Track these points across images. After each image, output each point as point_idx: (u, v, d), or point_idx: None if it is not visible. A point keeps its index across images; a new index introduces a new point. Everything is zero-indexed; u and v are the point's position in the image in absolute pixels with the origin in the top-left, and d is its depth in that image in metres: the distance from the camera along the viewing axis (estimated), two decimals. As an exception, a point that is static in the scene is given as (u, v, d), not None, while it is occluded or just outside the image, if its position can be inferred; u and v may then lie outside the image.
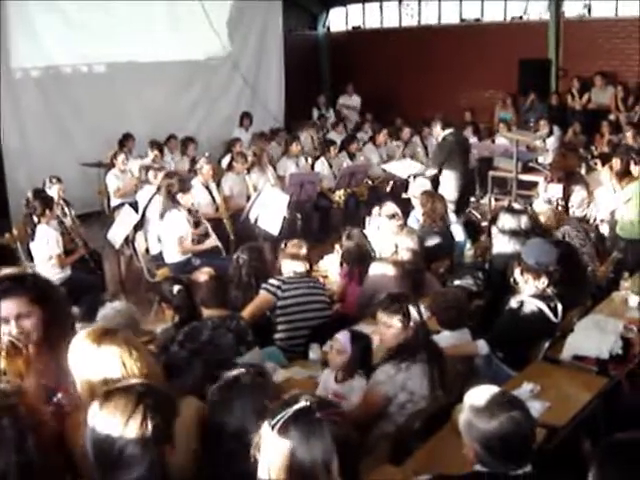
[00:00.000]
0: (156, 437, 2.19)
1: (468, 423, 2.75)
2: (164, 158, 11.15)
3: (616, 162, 7.68)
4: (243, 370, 2.79)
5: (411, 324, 4.11)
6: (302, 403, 2.16)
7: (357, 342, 4.19)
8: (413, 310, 4.13)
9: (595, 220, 7.92)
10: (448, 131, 9.13)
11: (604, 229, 7.77)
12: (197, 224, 7.91)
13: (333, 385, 4.23)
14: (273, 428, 2.12)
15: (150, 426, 2.18)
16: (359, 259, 6.07)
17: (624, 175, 7.53)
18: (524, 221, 6.19)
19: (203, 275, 4.85)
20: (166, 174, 8.72)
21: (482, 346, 4.76)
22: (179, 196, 7.60)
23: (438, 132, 9.24)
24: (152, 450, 2.19)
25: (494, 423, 2.66)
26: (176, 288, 4.80)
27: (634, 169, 7.12)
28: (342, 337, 4.20)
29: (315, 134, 13.24)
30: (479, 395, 2.79)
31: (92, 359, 2.67)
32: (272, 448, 2.12)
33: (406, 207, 7.76)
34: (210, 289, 4.75)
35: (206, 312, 4.71)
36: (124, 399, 2.22)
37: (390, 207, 7.04)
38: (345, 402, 4.02)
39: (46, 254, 6.98)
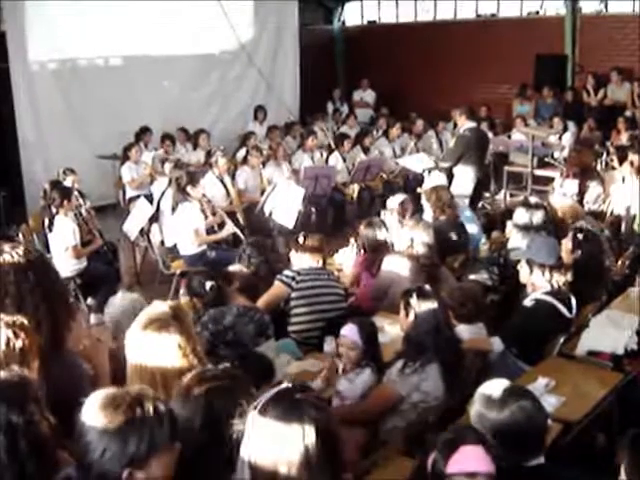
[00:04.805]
0: (124, 460, 2.14)
1: (479, 414, 2.76)
2: (179, 151, 11.23)
3: (634, 157, 7.65)
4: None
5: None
6: (284, 385, 2.19)
7: (365, 332, 4.19)
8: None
9: (611, 216, 7.88)
10: (471, 124, 9.10)
11: (620, 225, 7.73)
12: (213, 214, 7.97)
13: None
14: (255, 408, 2.14)
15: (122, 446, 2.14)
16: (377, 248, 6.06)
17: (640, 170, 7.51)
18: (539, 216, 6.18)
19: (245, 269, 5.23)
20: (174, 165, 8.75)
21: (497, 343, 4.76)
22: (189, 188, 7.62)
23: (463, 122, 9.18)
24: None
25: (505, 413, 2.68)
26: (209, 284, 4.82)
27: (653, 165, 7.04)
28: (350, 333, 4.18)
29: (325, 127, 13.25)
30: (489, 387, 2.80)
31: (144, 346, 2.84)
32: (252, 428, 2.13)
33: (421, 201, 7.73)
34: (249, 279, 5.03)
35: (237, 300, 4.84)
36: (117, 412, 2.18)
37: (394, 200, 7.03)
38: (350, 393, 4.06)
39: (63, 245, 7.03)
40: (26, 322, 2.85)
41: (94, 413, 2.18)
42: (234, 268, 5.16)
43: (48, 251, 7.27)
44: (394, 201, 6.95)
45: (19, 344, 2.75)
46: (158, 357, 2.84)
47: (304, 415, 2.07)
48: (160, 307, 3.00)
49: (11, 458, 2.25)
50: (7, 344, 2.73)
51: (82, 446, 2.17)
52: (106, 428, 2.14)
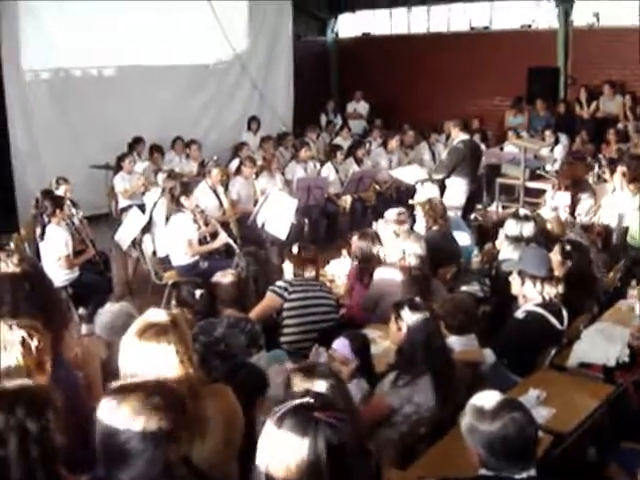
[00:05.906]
0: (160, 435, 2.19)
1: (471, 426, 2.76)
2: (171, 161, 11.23)
3: (622, 169, 7.68)
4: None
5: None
6: (305, 399, 2.13)
7: (356, 346, 4.18)
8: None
9: (601, 227, 7.89)
10: (465, 136, 9.14)
11: (611, 237, 7.74)
12: (206, 224, 7.96)
13: None
14: (272, 417, 2.11)
15: (155, 424, 2.18)
16: (369, 259, 6.05)
17: (631, 181, 7.53)
18: (530, 228, 6.20)
19: (228, 277, 5.05)
20: (167, 175, 8.75)
21: (489, 355, 4.76)
22: (182, 199, 7.62)
23: (456, 134, 9.22)
24: (155, 447, 2.18)
25: (497, 425, 2.67)
26: (198, 292, 4.82)
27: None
28: (341, 347, 4.17)
29: (316, 138, 13.27)
30: (481, 399, 2.80)
31: (141, 353, 2.82)
32: (266, 437, 2.09)
33: (413, 213, 7.74)
34: (233, 290, 4.94)
35: (226, 311, 4.83)
36: (134, 395, 2.23)
37: (392, 211, 7.04)
38: None
39: (55, 255, 7.01)
40: (37, 323, 2.86)
41: (127, 418, 2.19)
42: (217, 278, 5.12)
43: (39, 260, 7.26)
44: (391, 213, 6.96)
45: (35, 343, 2.77)
46: (156, 364, 2.79)
47: (318, 434, 2.02)
48: (157, 314, 2.97)
49: (21, 463, 2.25)
50: (23, 343, 2.74)
51: (122, 456, 2.18)
52: (147, 425, 2.18)
